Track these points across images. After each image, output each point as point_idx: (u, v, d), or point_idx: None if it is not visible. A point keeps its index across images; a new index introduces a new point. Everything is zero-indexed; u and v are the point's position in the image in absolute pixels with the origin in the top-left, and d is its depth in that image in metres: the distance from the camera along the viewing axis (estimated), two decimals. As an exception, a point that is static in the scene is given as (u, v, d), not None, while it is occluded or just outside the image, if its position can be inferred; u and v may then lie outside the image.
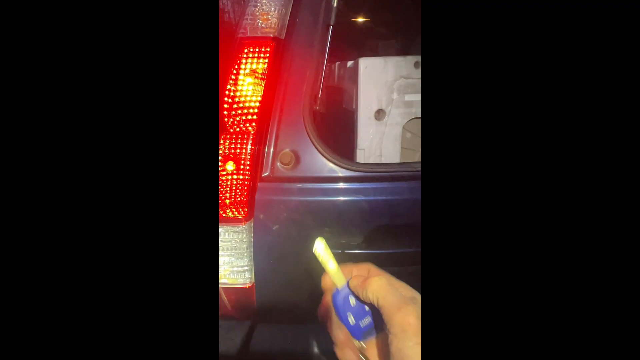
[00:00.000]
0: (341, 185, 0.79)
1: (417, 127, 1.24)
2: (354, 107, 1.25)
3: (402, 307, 0.29)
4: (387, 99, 1.21)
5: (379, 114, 1.23)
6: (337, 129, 1.30)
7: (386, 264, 0.72)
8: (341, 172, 0.79)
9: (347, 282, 0.35)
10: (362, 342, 0.34)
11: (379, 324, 0.33)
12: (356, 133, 1.25)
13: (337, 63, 1.42)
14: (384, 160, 1.25)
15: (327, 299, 0.37)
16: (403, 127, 1.23)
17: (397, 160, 1.25)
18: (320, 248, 0.36)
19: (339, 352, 0.35)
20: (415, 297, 0.32)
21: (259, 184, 0.79)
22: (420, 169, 0.77)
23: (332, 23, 0.80)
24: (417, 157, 1.26)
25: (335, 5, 0.78)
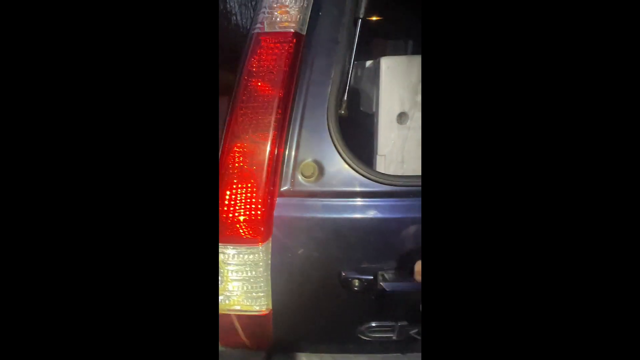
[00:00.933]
0: (372, 201, 0.70)
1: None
2: (374, 109, 1.16)
3: None
4: (410, 101, 1.11)
5: (402, 117, 1.13)
6: (355, 133, 1.21)
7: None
8: (372, 186, 0.70)
9: None
10: None
11: None
12: (376, 138, 1.15)
13: (354, 62, 1.33)
14: (406, 167, 1.15)
15: None
16: (427, 132, 1.13)
17: (420, 167, 1.15)
18: None
19: None
20: None
21: (278, 199, 0.70)
22: None
23: (361, 16, 0.70)
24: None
25: (365, -6, 0.69)
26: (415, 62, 1.08)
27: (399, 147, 1.15)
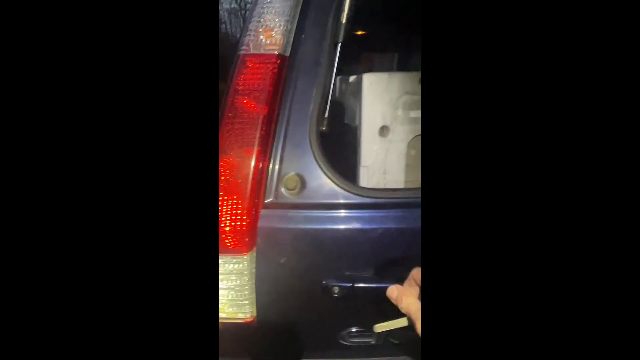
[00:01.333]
0: (351, 213, 0.74)
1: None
2: (357, 123, 1.21)
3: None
4: (391, 115, 1.17)
5: (383, 130, 1.18)
6: (340, 145, 1.25)
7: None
8: (351, 199, 0.74)
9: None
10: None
11: None
12: (359, 150, 1.20)
13: (338, 77, 1.38)
14: (388, 178, 1.20)
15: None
16: (407, 144, 1.18)
17: (401, 178, 1.20)
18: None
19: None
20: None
21: (262, 211, 0.74)
22: None
23: (340, 40, 0.75)
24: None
25: (344, 22, 0.74)
26: (396, 78, 1.13)
27: (382, 159, 1.20)
